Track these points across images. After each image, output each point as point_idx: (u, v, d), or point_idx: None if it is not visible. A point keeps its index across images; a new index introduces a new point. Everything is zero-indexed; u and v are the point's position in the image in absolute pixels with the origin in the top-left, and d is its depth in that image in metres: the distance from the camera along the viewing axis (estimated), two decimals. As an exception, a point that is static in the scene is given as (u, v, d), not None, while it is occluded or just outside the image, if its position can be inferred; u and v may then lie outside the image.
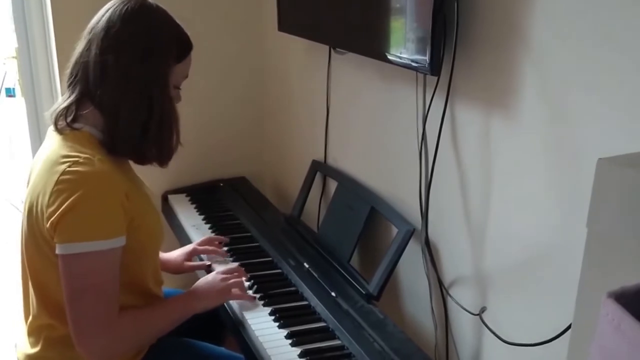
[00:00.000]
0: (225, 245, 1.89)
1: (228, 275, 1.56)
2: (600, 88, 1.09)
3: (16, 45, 2.39)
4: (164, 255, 1.76)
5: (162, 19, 1.38)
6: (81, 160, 1.27)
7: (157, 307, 1.45)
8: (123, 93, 1.32)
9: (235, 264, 1.77)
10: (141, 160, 1.41)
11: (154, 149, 1.39)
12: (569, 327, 1.13)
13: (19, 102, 2.81)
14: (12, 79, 4.34)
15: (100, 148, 1.33)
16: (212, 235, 1.96)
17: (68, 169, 1.26)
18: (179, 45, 1.39)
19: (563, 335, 1.16)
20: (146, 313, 1.41)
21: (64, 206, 1.23)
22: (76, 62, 1.37)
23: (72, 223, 1.24)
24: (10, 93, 4.48)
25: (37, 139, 2.48)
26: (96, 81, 1.32)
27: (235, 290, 1.55)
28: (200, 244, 1.83)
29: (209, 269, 1.76)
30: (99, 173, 1.27)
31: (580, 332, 0.81)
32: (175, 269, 1.77)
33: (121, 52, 1.31)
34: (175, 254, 1.80)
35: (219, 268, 1.73)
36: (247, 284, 1.68)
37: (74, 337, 1.28)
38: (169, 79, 1.37)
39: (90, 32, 1.35)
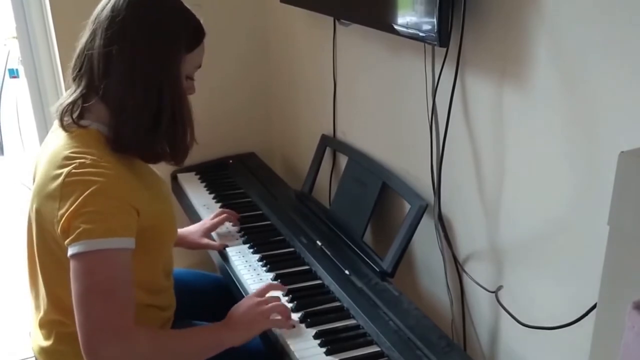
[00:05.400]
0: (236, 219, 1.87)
1: (264, 299, 1.41)
2: (618, 54, 1.04)
3: (15, 25, 2.36)
4: (181, 231, 1.74)
5: (171, 5, 1.30)
6: (87, 162, 1.22)
7: (182, 331, 1.33)
8: (129, 85, 1.25)
9: (269, 281, 1.58)
10: (150, 158, 1.35)
11: (167, 146, 1.32)
12: (589, 311, 1.10)
13: (23, 83, 2.79)
14: (15, 60, 4.31)
15: (109, 147, 1.28)
16: (223, 208, 1.94)
17: (73, 170, 1.21)
18: (189, 33, 1.31)
19: (582, 318, 1.13)
20: (168, 333, 1.36)
21: (72, 208, 1.18)
22: (80, 54, 1.30)
23: (80, 222, 1.18)
24: (14, 74, 4.46)
25: (41, 120, 2.47)
26: (101, 74, 1.26)
27: (273, 316, 1.39)
28: (214, 217, 1.82)
29: (224, 249, 1.75)
30: (107, 174, 1.22)
31: (604, 336, 0.78)
32: (191, 244, 1.76)
33: (126, 41, 1.24)
34: (192, 229, 1.79)
35: (233, 247, 1.72)
36: (259, 263, 1.68)
37: (82, 345, 1.16)
38: (180, 69, 1.30)
39: (94, 22, 1.29)
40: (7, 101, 4.71)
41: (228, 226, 1.87)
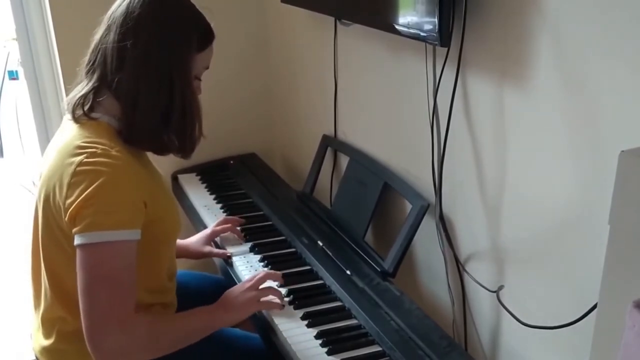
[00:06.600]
0: (240, 225, 1.86)
1: (255, 283, 1.47)
2: (618, 54, 1.04)
3: (15, 26, 2.36)
4: (184, 242, 1.75)
5: (185, 6, 1.34)
6: (99, 152, 1.24)
7: (179, 314, 1.40)
8: (141, 79, 1.28)
9: (265, 270, 1.61)
10: (161, 151, 1.38)
11: (176, 140, 1.35)
12: (590, 310, 1.10)
13: (23, 85, 2.80)
14: (15, 62, 4.32)
15: (119, 139, 1.30)
16: (227, 216, 1.93)
17: (85, 159, 1.23)
18: (200, 33, 1.35)
19: (582, 318, 1.13)
20: (166, 317, 1.39)
21: (81, 197, 1.20)
22: (94, 49, 1.34)
23: (89, 213, 1.21)
24: (13, 76, 4.47)
25: (41, 121, 2.47)
26: (114, 67, 1.29)
27: (264, 299, 1.46)
28: (217, 225, 1.82)
29: (229, 259, 1.73)
30: (117, 165, 1.24)
31: (604, 336, 0.78)
32: (195, 254, 1.76)
33: (140, 37, 1.28)
34: (195, 239, 1.79)
35: (234, 248, 1.73)
36: (261, 264, 1.68)
37: (86, 334, 1.22)
38: (190, 67, 1.33)
39: (109, 18, 1.32)
40: (6, 103, 4.72)
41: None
